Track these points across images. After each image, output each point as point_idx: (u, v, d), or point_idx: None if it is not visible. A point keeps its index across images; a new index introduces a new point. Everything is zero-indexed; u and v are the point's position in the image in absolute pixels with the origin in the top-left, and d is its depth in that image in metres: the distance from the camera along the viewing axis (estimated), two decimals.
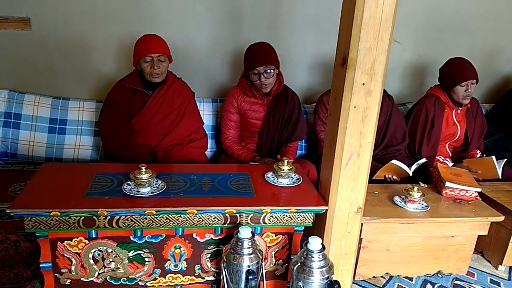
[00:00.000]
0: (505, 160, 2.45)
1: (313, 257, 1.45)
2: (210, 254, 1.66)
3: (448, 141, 2.73)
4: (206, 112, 2.73)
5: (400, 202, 1.95)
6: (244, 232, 1.49)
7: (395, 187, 2.11)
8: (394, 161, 2.20)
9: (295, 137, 2.51)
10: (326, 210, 1.64)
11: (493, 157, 2.36)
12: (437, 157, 2.66)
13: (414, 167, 2.29)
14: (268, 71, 2.29)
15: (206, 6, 2.72)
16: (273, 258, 1.73)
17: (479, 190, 2.04)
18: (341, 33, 1.55)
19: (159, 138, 2.29)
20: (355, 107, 1.52)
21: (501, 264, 2.12)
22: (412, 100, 2.99)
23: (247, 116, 2.44)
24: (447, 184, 2.05)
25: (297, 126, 2.50)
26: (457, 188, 2.05)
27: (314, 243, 1.46)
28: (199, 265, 1.67)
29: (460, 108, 2.64)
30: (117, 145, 2.26)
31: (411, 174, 2.26)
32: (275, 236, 1.69)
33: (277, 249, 1.72)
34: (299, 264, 1.47)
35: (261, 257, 1.53)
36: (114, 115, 2.28)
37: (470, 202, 2.04)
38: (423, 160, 2.32)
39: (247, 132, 2.50)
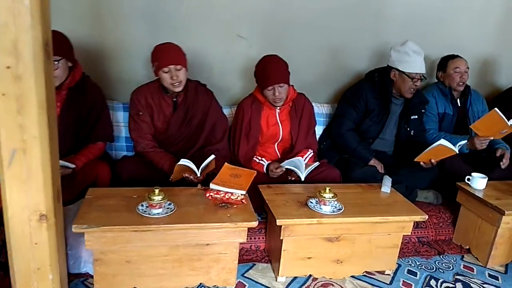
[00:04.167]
0: None
1: None
2: None
3: (274, 141, 2.47)
4: None
5: (142, 208, 1.67)
6: None
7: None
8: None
9: (95, 137, 2.22)
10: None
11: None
12: (254, 158, 2.39)
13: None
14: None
15: None
16: None
17: (243, 192, 1.77)
18: None
19: None
20: (3, 95, 1.23)
21: (279, 275, 1.84)
22: None
23: None
24: (211, 186, 1.78)
25: (98, 124, 2.22)
26: (221, 191, 1.77)
27: None
28: None
29: (278, 108, 2.38)
30: None
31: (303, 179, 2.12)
32: None
33: None
34: None
35: None
36: None
37: (235, 206, 1.76)
38: None
39: None
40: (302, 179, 2.11)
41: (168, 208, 1.68)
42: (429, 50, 3.02)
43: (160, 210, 1.64)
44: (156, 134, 2.29)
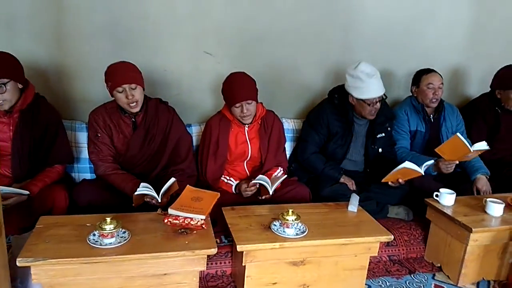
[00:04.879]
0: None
1: None
2: None
3: (243, 160, 2.41)
4: None
5: (94, 238, 1.58)
6: None
7: None
8: None
9: (52, 159, 2.13)
10: None
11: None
12: (222, 177, 2.33)
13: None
14: None
15: None
16: None
17: (203, 217, 1.70)
18: None
19: None
20: None
21: None
22: None
23: None
24: (169, 211, 1.71)
25: (54, 146, 2.13)
26: (180, 216, 1.70)
27: None
28: None
29: (247, 125, 2.33)
30: None
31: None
32: None
33: None
34: None
35: None
36: None
37: (195, 232, 1.69)
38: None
39: None
40: (270, 193, 2.07)
41: (121, 236, 1.59)
42: (398, 63, 3.04)
43: (112, 240, 1.56)
44: (116, 155, 2.22)
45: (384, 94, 2.37)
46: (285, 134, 2.73)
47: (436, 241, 2.16)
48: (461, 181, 2.55)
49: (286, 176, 2.19)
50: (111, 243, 1.55)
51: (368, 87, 2.29)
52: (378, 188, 2.43)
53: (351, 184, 2.46)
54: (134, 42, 2.55)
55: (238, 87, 2.19)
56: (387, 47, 2.97)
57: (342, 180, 2.46)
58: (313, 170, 2.53)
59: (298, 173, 2.57)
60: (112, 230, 1.55)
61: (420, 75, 2.66)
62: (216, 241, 1.99)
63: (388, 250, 2.21)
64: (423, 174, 2.13)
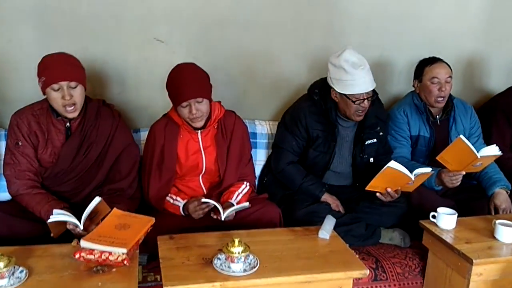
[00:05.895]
0: None
1: None
2: None
3: (198, 173, 2.33)
4: None
5: None
6: None
7: None
8: None
9: None
10: None
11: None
12: (168, 197, 2.23)
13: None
14: None
15: None
16: None
17: (124, 250, 1.60)
18: None
19: None
20: None
21: None
22: None
23: None
24: (82, 243, 1.61)
25: None
26: (96, 250, 1.60)
27: None
28: None
29: (200, 130, 2.23)
30: None
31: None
32: None
33: None
34: None
35: None
36: None
37: (114, 270, 1.59)
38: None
39: None
40: (222, 218, 1.99)
41: (17, 277, 1.50)
42: (398, 50, 2.98)
43: (3, 282, 1.46)
44: (40, 170, 2.12)
45: (374, 91, 2.27)
46: (257, 140, 2.69)
47: (434, 275, 2.06)
48: (475, 197, 2.45)
49: (248, 204, 2.09)
50: (0, 286, 1.45)
51: (354, 80, 2.19)
52: (369, 207, 2.33)
53: (335, 205, 2.36)
54: (66, 27, 2.51)
55: (184, 81, 2.11)
56: (383, 31, 2.90)
57: (324, 198, 2.36)
58: (289, 185, 2.44)
59: (272, 189, 2.48)
60: (2, 269, 1.45)
61: (422, 67, 2.55)
62: (156, 279, 1.95)
63: (376, 287, 2.11)
64: (412, 179, 2.03)
